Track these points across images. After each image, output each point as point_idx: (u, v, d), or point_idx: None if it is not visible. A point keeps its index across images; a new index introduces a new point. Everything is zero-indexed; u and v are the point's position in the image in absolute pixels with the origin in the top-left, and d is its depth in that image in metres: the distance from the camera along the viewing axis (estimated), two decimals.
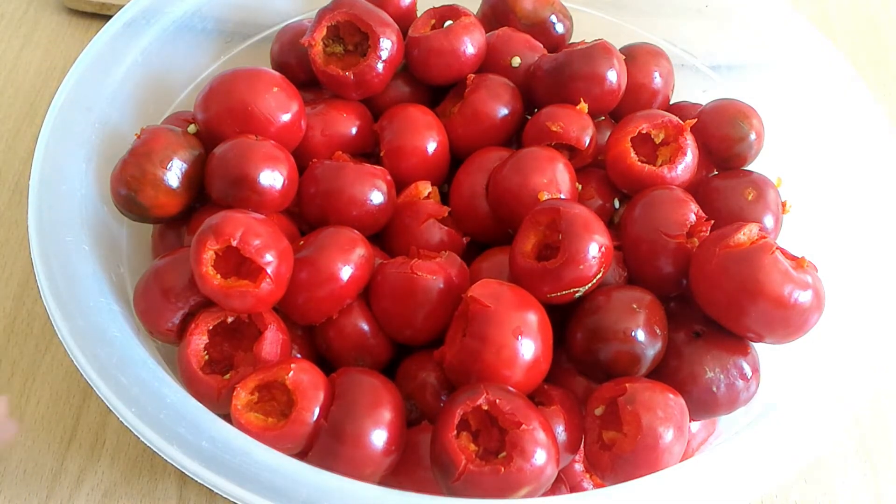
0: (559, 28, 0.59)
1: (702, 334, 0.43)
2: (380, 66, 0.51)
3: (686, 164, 0.48)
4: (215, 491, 0.35)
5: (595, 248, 0.41)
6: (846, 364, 0.41)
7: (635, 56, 0.56)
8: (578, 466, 0.45)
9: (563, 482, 0.45)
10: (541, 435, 0.37)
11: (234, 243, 0.39)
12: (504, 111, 0.53)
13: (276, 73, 0.50)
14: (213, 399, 0.40)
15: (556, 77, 0.52)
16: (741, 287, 0.40)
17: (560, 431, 0.40)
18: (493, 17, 0.59)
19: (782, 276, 0.40)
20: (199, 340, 0.41)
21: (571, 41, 0.60)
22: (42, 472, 0.51)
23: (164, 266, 0.43)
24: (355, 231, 0.45)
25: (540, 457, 0.36)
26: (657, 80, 0.56)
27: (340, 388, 0.39)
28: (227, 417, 0.38)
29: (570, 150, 0.52)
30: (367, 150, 0.54)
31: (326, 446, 0.38)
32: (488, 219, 0.50)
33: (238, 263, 0.41)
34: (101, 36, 0.52)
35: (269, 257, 0.40)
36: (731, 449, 0.38)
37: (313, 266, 0.43)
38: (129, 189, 0.45)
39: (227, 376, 0.41)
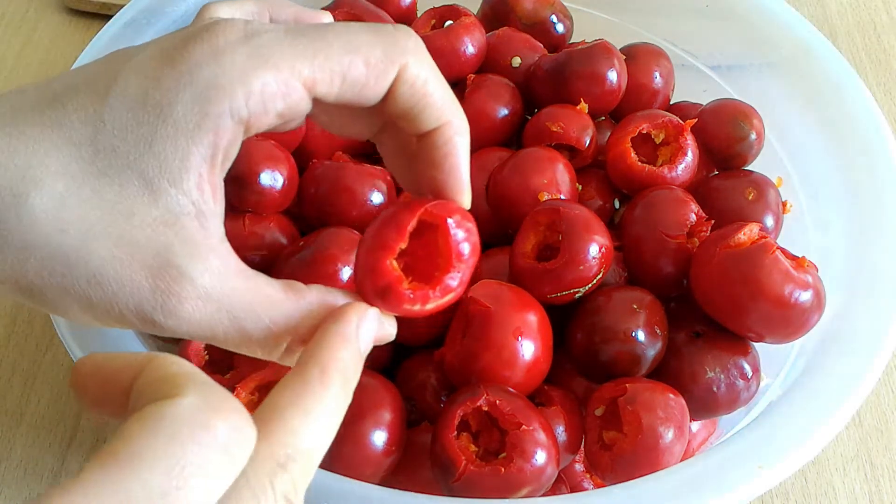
0: (559, 28, 0.59)
1: (702, 334, 0.43)
2: None
3: (686, 164, 0.48)
4: None
5: (595, 248, 0.41)
6: (846, 364, 0.41)
7: (635, 56, 0.56)
8: (579, 466, 0.45)
9: (564, 482, 0.45)
10: (541, 435, 0.37)
11: None
12: (504, 111, 0.53)
13: None
14: None
15: (556, 77, 0.52)
16: (742, 287, 0.40)
17: (560, 432, 0.40)
18: (493, 17, 0.59)
19: (783, 276, 0.40)
20: None
21: (571, 41, 0.60)
22: (42, 471, 0.51)
23: None
24: (355, 231, 0.45)
25: (540, 457, 0.36)
26: (657, 80, 0.56)
27: None
28: None
29: (570, 151, 0.51)
30: (367, 151, 0.54)
31: None
32: (488, 219, 0.50)
33: None
34: (101, 36, 0.52)
35: None
36: (732, 449, 0.38)
37: (313, 266, 0.43)
38: None
39: (228, 376, 0.41)
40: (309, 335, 0.28)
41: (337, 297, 0.29)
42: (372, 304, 0.29)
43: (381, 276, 0.28)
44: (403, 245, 0.28)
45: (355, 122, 0.32)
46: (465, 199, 0.32)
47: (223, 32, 0.27)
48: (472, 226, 0.30)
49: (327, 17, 0.37)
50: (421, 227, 0.29)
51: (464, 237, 0.29)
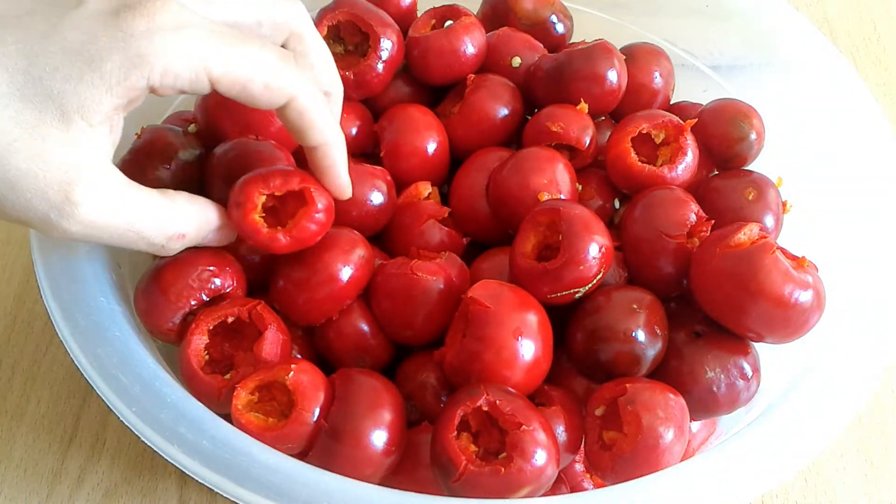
0: (559, 28, 0.59)
1: (702, 334, 0.43)
2: (380, 66, 0.51)
3: (686, 164, 0.48)
4: (216, 490, 0.35)
5: (595, 248, 0.41)
6: (846, 364, 0.41)
7: (635, 56, 0.56)
8: (579, 466, 0.45)
9: (564, 482, 0.45)
10: (541, 436, 0.37)
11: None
12: (504, 111, 0.53)
13: None
14: (214, 399, 0.40)
15: (556, 77, 0.52)
16: (741, 287, 0.40)
17: (560, 432, 0.40)
18: (494, 17, 0.59)
19: (783, 276, 0.40)
20: (199, 340, 0.41)
21: (571, 41, 0.60)
22: (42, 471, 0.51)
23: (165, 266, 0.43)
24: (355, 231, 0.45)
25: (540, 457, 0.36)
26: (657, 80, 0.56)
27: (340, 388, 0.39)
28: (228, 417, 0.38)
29: (570, 151, 0.52)
30: (367, 150, 0.54)
31: (326, 446, 0.38)
32: (488, 219, 0.50)
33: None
34: None
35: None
36: (732, 449, 0.38)
37: (313, 266, 0.43)
38: None
39: (228, 376, 0.41)
40: (186, 229, 0.38)
41: (202, 202, 0.40)
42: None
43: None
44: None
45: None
46: (347, 194, 0.43)
47: (159, 13, 0.33)
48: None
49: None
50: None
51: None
